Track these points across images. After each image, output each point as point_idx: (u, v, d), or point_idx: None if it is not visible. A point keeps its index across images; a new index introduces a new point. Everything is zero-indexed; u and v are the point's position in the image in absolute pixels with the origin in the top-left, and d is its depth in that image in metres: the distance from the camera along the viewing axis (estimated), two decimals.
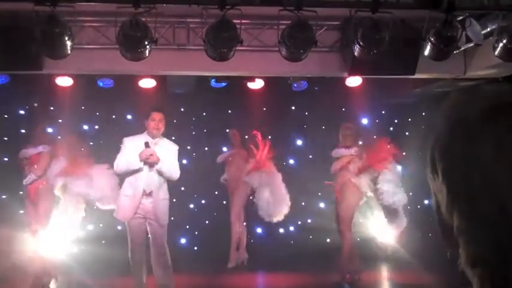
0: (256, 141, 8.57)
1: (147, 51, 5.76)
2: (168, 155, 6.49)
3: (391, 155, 7.77)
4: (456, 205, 0.83)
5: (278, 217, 8.05)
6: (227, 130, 9.91)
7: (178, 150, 6.67)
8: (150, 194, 6.40)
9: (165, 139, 6.59)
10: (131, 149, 6.39)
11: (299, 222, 10.47)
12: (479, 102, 0.84)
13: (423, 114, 10.05)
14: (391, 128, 9.96)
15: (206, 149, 9.15)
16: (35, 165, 7.51)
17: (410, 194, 9.93)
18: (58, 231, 7.51)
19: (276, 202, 8.05)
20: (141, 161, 6.32)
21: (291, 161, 10.69)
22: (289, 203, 8.06)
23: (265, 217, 8.10)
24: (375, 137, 8.82)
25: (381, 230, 9.51)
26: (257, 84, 8.59)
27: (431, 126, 0.90)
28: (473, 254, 0.82)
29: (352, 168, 7.71)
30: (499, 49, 5.95)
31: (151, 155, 6.31)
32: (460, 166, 0.82)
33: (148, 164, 6.34)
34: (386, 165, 7.65)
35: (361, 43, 5.83)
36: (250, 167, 8.54)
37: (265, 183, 8.18)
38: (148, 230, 6.49)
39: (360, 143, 7.92)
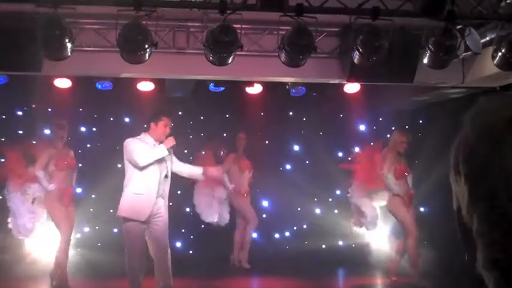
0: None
1: (147, 55, 5.76)
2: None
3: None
4: (476, 208, 0.85)
5: None
6: (224, 134, 9.96)
7: (175, 153, 6.67)
8: (162, 196, 6.37)
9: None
10: (143, 146, 6.33)
11: (294, 228, 10.48)
12: (506, 109, 0.86)
13: (420, 122, 10.08)
14: (388, 135, 9.96)
15: (203, 153, 9.14)
16: None
17: None
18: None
19: None
20: (168, 148, 6.30)
21: (288, 166, 10.71)
22: None
23: None
24: (372, 143, 8.85)
25: (376, 237, 9.54)
26: (255, 89, 8.59)
27: (458, 129, 0.92)
28: (491, 257, 0.84)
29: None
30: (497, 58, 5.97)
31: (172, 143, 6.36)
32: (482, 170, 0.84)
33: (172, 149, 6.39)
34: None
35: (360, 50, 5.85)
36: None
37: None
38: (151, 233, 6.32)
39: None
